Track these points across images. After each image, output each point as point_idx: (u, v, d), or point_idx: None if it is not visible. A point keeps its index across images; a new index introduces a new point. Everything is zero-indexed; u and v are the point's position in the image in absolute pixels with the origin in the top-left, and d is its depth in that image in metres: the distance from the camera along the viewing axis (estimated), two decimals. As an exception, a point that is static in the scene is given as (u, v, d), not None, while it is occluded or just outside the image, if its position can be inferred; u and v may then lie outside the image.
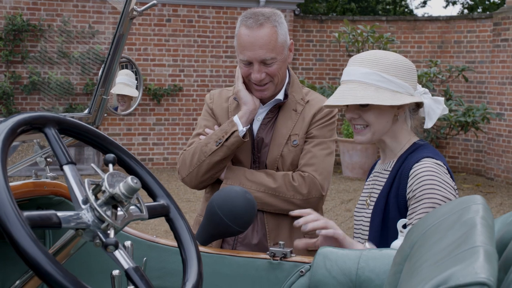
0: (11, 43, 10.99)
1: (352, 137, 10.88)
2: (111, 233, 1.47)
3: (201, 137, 2.76)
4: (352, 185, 10.42)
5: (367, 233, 2.31)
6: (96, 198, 1.50)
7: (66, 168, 1.56)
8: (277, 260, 2.10)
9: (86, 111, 2.35)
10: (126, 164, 1.74)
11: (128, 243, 1.73)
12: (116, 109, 2.65)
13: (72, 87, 11.18)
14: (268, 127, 2.74)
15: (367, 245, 2.13)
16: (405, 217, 2.17)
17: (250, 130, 2.73)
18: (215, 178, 2.73)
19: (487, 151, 11.52)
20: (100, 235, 1.47)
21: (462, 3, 22.99)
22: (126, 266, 1.49)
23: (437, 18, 12.63)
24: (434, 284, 1.11)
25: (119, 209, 1.51)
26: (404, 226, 2.11)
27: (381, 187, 2.31)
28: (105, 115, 2.41)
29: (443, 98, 2.34)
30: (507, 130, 10.96)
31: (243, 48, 2.63)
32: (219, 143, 2.65)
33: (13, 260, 2.02)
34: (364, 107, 2.27)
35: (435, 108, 2.29)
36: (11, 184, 1.63)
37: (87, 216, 1.48)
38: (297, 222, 2.12)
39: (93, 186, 1.51)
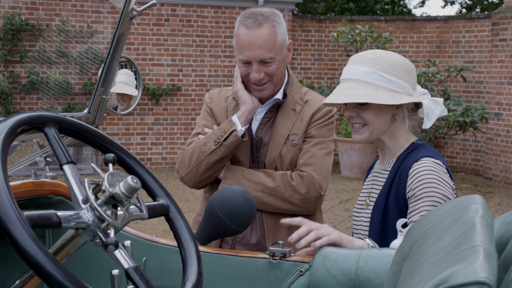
0: (9, 43, 10.99)
1: (350, 137, 10.89)
2: (111, 232, 1.47)
3: (200, 136, 2.76)
4: (351, 184, 10.43)
5: (366, 233, 2.31)
6: (96, 198, 1.50)
7: (66, 167, 1.56)
8: (277, 259, 2.10)
9: (85, 111, 2.35)
10: (126, 163, 1.75)
11: (127, 242, 1.73)
12: (115, 108, 2.66)
13: (71, 86, 11.18)
14: (267, 126, 2.75)
15: (368, 240, 2.13)
16: (405, 217, 2.18)
17: (249, 129, 2.73)
18: (214, 177, 2.73)
19: (486, 151, 11.53)
20: (100, 234, 1.47)
21: (461, 3, 23.01)
22: (126, 265, 1.50)
23: (435, 18, 12.63)
24: (434, 284, 1.11)
25: (119, 208, 1.52)
26: (404, 226, 2.11)
27: (380, 187, 2.31)
28: (105, 114, 2.41)
29: (442, 99, 2.34)
30: (505, 130, 10.97)
31: (242, 47, 2.63)
32: (218, 143, 2.65)
33: (13, 259, 2.02)
34: (362, 106, 2.28)
35: (434, 109, 2.30)
36: (10, 183, 1.63)
37: (87, 215, 1.48)
38: (291, 239, 2.10)
39: (93, 185, 1.51)
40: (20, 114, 1.53)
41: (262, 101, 2.75)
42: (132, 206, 1.58)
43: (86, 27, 11.32)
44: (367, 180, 2.46)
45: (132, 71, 2.64)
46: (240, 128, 2.66)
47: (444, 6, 24.21)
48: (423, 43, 12.57)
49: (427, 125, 2.31)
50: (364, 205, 2.37)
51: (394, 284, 1.53)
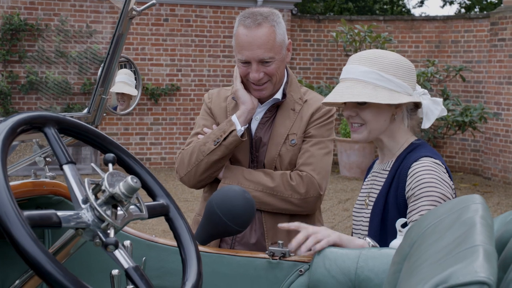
0: (8, 43, 10.98)
1: (349, 137, 10.89)
2: (111, 232, 1.47)
3: (200, 136, 2.76)
4: (350, 184, 10.43)
5: (366, 232, 2.31)
6: (96, 198, 1.50)
7: (66, 167, 1.56)
8: (276, 259, 2.10)
9: (85, 111, 2.35)
10: (125, 163, 1.75)
11: (127, 242, 1.73)
12: (115, 108, 2.66)
13: (70, 86, 11.17)
14: (266, 126, 2.75)
15: (368, 239, 2.13)
16: (404, 217, 2.18)
17: (248, 129, 2.73)
18: (213, 177, 2.73)
19: (484, 150, 11.53)
20: (100, 234, 1.47)
21: (459, 3, 23.02)
22: (126, 265, 1.50)
23: (434, 17, 12.64)
24: (434, 283, 1.11)
25: (119, 208, 1.52)
26: (403, 226, 2.11)
27: (380, 187, 2.31)
28: (104, 114, 2.41)
29: (441, 99, 2.34)
30: (504, 130, 10.98)
31: (241, 47, 2.63)
32: (217, 142, 2.65)
33: (13, 259, 2.02)
34: (361, 105, 2.28)
35: (433, 109, 2.30)
36: (10, 183, 1.63)
37: (87, 215, 1.48)
38: (291, 247, 2.10)
39: (93, 185, 1.51)
40: (20, 114, 1.54)
41: (261, 101, 2.75)
42: (132, 206, 1.58)
43: (85, 27, 11.32)
44: (366, 180, 2.46)
45: (131, 71, 2.64)
46: (240, 128, 2.66)
47: (443, 6, 24.22)
48: (422, 43, 12.57)
49: (426, 125, 2.31)
50: (364, 205, 2.38)
51: (394, 283, 1.54)
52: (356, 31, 10.70)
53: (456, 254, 1.21)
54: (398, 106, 2.30)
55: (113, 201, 1.50)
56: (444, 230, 1.42)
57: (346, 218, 8.25)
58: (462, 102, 11.09)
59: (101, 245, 1.46)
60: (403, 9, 23.38)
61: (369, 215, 2.31)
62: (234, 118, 2.68)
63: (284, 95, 2.75)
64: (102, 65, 2.36)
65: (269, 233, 2.69)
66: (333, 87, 11.13)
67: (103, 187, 1.49)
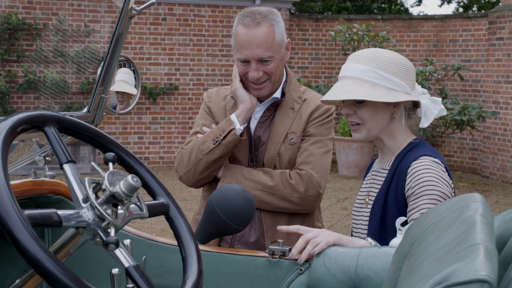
0: (6, 42, 10.97)
1: (348, 136, 10.90)
2: (112, 231, 1.47)
3: (199, 135, 2.76)
4: (348, 183, 10.43)
5: (366, 231, 2.32)
6: (97, 197, 1.50)
7: (66, 166, 1.56)
8: (276, 258, 2.10)
9: (85, 110, 2.35)
10: (125, 162, 1.75)
11: (127, 241, 1.73)
12: (114, 107, 2.66)
13: (68, 86, 11.16)
14: (265, 125, 2.75)
15: (370, 239, 2.13)
16: (404, 215, 2.18)
17: (247, 128, 2.73)
18: (213, 176, 2.73)
19: (483, 149, 11.54)
20: (101, 233, 1.47)
21: (458, 2, 23.03)
22: (126, 264, 1.50)
23: (432, 17, 12.64)
24: (435, 282, 1.11)
25: (119, 207, 1.52)
26: (403, 224, 2.11)
27: (379, 186, 2.31)
28: (104, 113, 2.41)
29: (440, 99, 2.35)
30: (502, 129, 10.98)
31: (241, 46, 2.63)
32: (217, 142, 2.65)
33: (12, 259, 2.02)
34: (359, 104, 2.28)
35: (432, 108, 2.30)
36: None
37: (87, 214, 1.48)
38: (292, 255, 2.10)
39: (94, 184, 1.51)
40: (20, 113, 1.54)
41: (260, 100, 2.75)
42: (132, 205, 1.59)
43: (83, 26, 11.31)
44: (366, 179, 2.47)
45: (131, 70, 2.64)
46: (239, 127, 2.66)
47: (441, 5, 24.23)
48: (420, 42, 12.57)
49: (424, 124, 2.32)
50: (363, 203, 2.38)
51: (394, 282, 1.54)
52: (354, 30, 10.70)
53: (457, 253, 1.21)
54: (396, 105, 2.30)
55: (114, 200, 1.50)
56: (444, 229, 1.43)
57: (345, 217, 8.25)
58: (460, 101, 11.09)
59: (102, 244, 1.47)
60: (401, 8, 23.39)
61: (368, 214, 2.31)
62: (233, 117, 2.68)
63: (283, 94, 2.75)
64: (101, 64, 2.36)
65: (268, 232, 2.69)
66: (332, 86, 11.12)
67: (103, 186, 1.49)
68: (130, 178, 1.49)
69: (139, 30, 11.71)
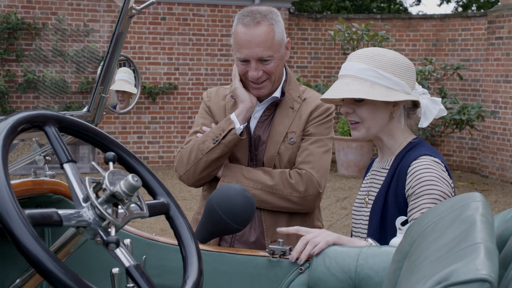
0: (5, 42, 10.97)
1: (347, 135, 10.90)
2: (112, 231, 1.47)
3: (198, 135, 2.76)
4: (348, 183, 10.43)
5: (366, 231, 2.32)
6: (97, 196, 1.50)
7: (67, 166, 1.56)
8: (276, 257, 2.10)
9: (85, 109, 2.35)
10: (126, 162, 1.75)
11: (127, 241, 1.73)
12: (114, 107, 2.66)
13: (67, 85, 11.16)
14: (265, 124, 2.75)
15: (370, 240, 2.13)
16: (404, 215, 2.18)
17: (247, 128, 2.73)
18: (212, 176, 2.73)
19: (482, 149, 11.55)
20: (101, 233, 1.47)
21: (457, 1, 23.03)
22: (127, 264, 1.50)
23: (431, 16, 12.65)
24: (436, 281, 1.11)
25: (119, 207, 1.52)
26: (403, 224, 2.11)
27: (379, 185, 2.32)
28: (104, 113, 2.41)
29: (440, 99, 2.35)
30: (502, 128, 10.99)
31: (240, 46, 2.63)
32: (216, 141, 2.65)
33: (12, 259, 2.02)
34: (358, 102, 2.29)
35: (431, 109, 2.31)
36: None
37: (88, 214, 1.49)
38: (292, 258, 2.10)
39: (94, 184, 1.51)
40: (20, 113, 1.54)
41: (260, 99, 2.75)
42: (132, 205, 1.59)
43: (82, 25, 11.31)
44: (365, 178, 2.47)
45: (131, 69, 2.64)
46: (239, 126, 2.66)
47: (440, 4, 24.22)
48: (420, 41, 12.58)
49: (423, 124, 2.32)
50: (363, 203, 2.38)
51: (394, 281, 1.54)
52: (353, 29, 10.70)
53: (457, 252, 1.21)
54: (396, 104, 2.30)
55: (114, 200, 1.50)
56: (444, 228, 1.43)
57: (344, 216, 8.25)
58: (460, 100, 11.10)
59: (102, 244, 1.47)
60: (400, 8, 23.39)
61: (368, 213, 2.31)
62: (233, 116, 2.68)
63: (283, 93, 2.75)
64: (101, 63, 2.36)
65: (268, 232, 2.69)
66: (331, 86, 11.09)
67: (104, 186, 1.49)
68: (131, 178, 1.49)
69: (138, 30, 11.71)
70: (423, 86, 9.34)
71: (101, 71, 2.34)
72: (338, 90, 2.28)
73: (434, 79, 11.08)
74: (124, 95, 2.73)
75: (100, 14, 11.46)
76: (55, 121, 1.62)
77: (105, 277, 1.94)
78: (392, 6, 22.83)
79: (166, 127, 12.02)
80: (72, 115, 1.73)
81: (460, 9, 22.73)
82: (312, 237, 2.09)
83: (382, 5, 22.64)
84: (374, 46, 10.28)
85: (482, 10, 16.64)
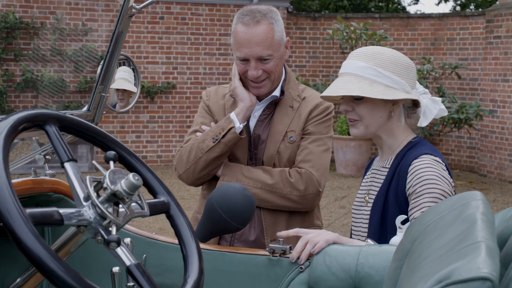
0: (3, 41, 10.96)
1: (345, 134, 10.90)
2: (113, 230, 1.47)
3: (198, 134, 2.76)
4: (346, 182, 10.44)
5: (366, 230, 2.32)
6: (98, 195, 1.50)
7: (67, 165, 1.56)
8: (277, 256, 2.10)
9: (85, 108, 2.35)
10: (126, 161, 1.75)
11: (127, 240, 1.74)
12: (114, 106, 2.66)
13: (66, 84, 11.15)
14: (265, 123, 2.75)
15: (370, 241, 2.13)
16: (405, 214, 2.18)
17: (246, 127, 2.73)
18: (212, 174, 2.73)
19: (480, 148, 11.56)
20: (102, 232, 1.48)
21: (455, 0, 23.03)
22: (128, 262, 1.50)
23: (430, 15, 12.65)
24: (437, 280, 1.11)
25: (120, 206, 1.52)
26: (403, 222, 2.12)
27: (379, 184, 2.32)
28: (104, 112, 2.41)
29: (441, 99, 2.35)
30: (500, 127, 11.00)
31: (240, 45, 2.63)
32: (216, 140, 2.65)
33: (12, 258, 2.02)
34: (358, 100, 2.29)
35: (431, 108, 2.31)
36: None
37: (88, 213, 1.49)
38: (292, 258, 2.10)
39: (95, 183, 1.51)
40: (21, 112, 1.54)
41: (259, 98, 2.76)
42: (133, 204, 1.59)
43: (80, 25, 11.30)
44: (365, 177, 2.47)
45: (130, 68, 2.64)
46: (238, 125, 2.66)
47: (438, 3, 24.24)
48: (418, 40, 12.58)
49: (423, 123, 2.32)
50: (363, 202, 2.38)
51: (395, 280, 1.54)
52: (352, 28, 10.70)
53: (458, 251, 1.21)
54: (395, 103, 2.30)
55: (115, 199, 1.50)
56: (445, 227, 1.43)
57: (343, 215, 8.25)
58: (458, 99, 11.10)
59: (103, 243, 1.47)
60: (398, 7, 23.39)
61: (369, 212, 2.31)
62: (232, 115, 2.68)
63: (282, 92, 2.76)
64: (101, 62, 2.36)
65: (268, 230, 2.69)
66: (329, 85, 11.05)
67: (104, 185, 1.49)
68: (131, 177, 1.49)
69: (136, 29, 11.71)
70: (421, 85, 9.35)
71: (101, 70, 2.34)
72: (338, 88, 2.29)
73: (432, 78, 11.08)
74: (124, 94, 2.73)
75: (99, 13, 11.45)
76: (56, 120, 1.62)
77: (105, 277, 1.94)
78: (390, 5, 22.83)
79: (164, 126, 12.02)
80: (72, 114, 1.73)
81: (458, 8, 22.74)
82: (312, 237, 2.09)
83: (380, 4, 22.64)
84: (373, 45, 10.29)
85: (480, 9, 16.65)
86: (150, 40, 11.86)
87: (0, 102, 10.86)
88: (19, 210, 1.31)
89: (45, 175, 2.12)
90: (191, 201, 8.76)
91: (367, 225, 2.31)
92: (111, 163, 1.56)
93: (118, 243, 1.44)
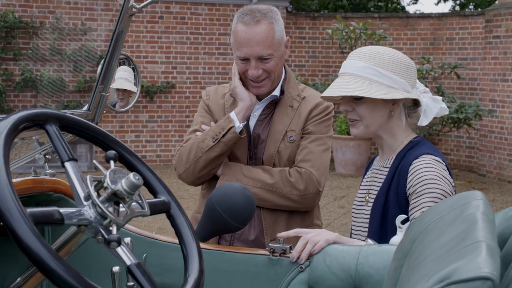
0: (3, 40, 10.95)
1: (344, 134, 10.90)
2: (114, 229, 1.47)
3: (198, 133, 2.76)
4: (345, 181, 10.44)
5: (366, 229, 2.32)
6: (98, 195, 1.50)
7: (68, 164, 1.56)
8: (277, 256, 2.10)
9: (85, 108, 2.35)
10: (127, 160, 1.75)
11: (127, 239, 1.73)
12: (114, 105, 2.65)
13: (65, 84, 11.15)
14: (265, 123, 2.75)
15: (369, 241, 2.13)
16: (405, 214, 2.18)
17: (246, 126, 2.73)
18: (212, 174, 2.73)
19: (479, 147, 11.56)
20: (103, 231, 1.47)
21: (454, 0, 23.03)
22: (128, 262, 1.50)
23: (429, 15, 12.65)
24: (438, 279, 1.11)
25: (121, 205, 1.52)
26: (403, 222, 2.12)
27: (380, 184, 2.32)
28: (104, 112, 2.41)
29: (441, 97, 2.35)
30: (499, 127, 11.00)
31: (240, 44, 2.63)
32: (216, 139, 2.65)
33: (13, 257, 2.02)
34: (358, 100, 2.29)
35: (432, 107, 2.31)
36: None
37: (89, 212, 1.48)
38: (293, 258, 2.10)
39: (95, 182, 1.51)
40: (22, 111, 1.54)
41: (259, 97, 2.76)
42: (133, 203, 1.59)
43: (80, 24, 11.30)
44: (366, 176, 2.47)
45: (131, 68, 2.64)
46: (238, 125, 2.66)
47: (438, 3, 24.24)
48: (417, 40, 12.59)
49: (423, 122, 2.32)
50: (364, 201, 2.38)
51: (395, 280, 1.54)
52: (351, 28, 10.70)
53: (459, 250, 1.21)
54: (395, 103, 2.30)
55: (115, 198, 1.50)
56: (445, 227, 1.43)
57: (342, 215, 8.25)
58: (457, 99, 11.11)
59: (104, 242, 1.47)
60: (398, 6, 23.39)
61: (369, 212, 2.31)
62: (232, 115, 2.68)
63: (282, 92, 2.76)
64: (102, 62, 2.36)
65: (268, 230, 2.69)
66: (328, 84, 11.07)
67: (105, 184, 1.49)
68: (132, 176, 1.49)
69: (136, 28, 11.70)
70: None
71: (101, 69, 2.34)
72: (337, 88, 2.29)
73: (431, 78, 11.08)
74: (124, 94, 2.73)
75: (98, 12, 11.45)
76: (56, 120, 1.62)
77: (105, 276, 1.94)
78: (389, 5, 22.83)
79: (163, 126, 12.02)
80: (72, 114, 1.73)
81: (457, 8, 22.74)
82: (312, 236, 2.09)
83: (379, 4, 22.64)
84: (372, 44, 10.29)
85: (479, 9, 16.66)
86: (150, 40, 11.86)
87: (-1, 102, 10.86)
88: (20, 209, 1.31)
89: (45, 175, 2.11)
90: (190, 201, 8.76)
91: (367, 225, 2.31)
92: (112, 162, 1.56)
93: (119, 242, 1.44)
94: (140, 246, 2.17)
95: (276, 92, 2.75)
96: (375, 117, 2.29)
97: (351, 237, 2.40)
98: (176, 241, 2.11)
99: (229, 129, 2.64)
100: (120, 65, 2.56)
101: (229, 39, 2.66)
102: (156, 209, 1.69)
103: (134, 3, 2.24)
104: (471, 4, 21.92)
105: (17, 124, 1.50)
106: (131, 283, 1.61)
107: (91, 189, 1.49)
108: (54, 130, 1.59)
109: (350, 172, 11.00)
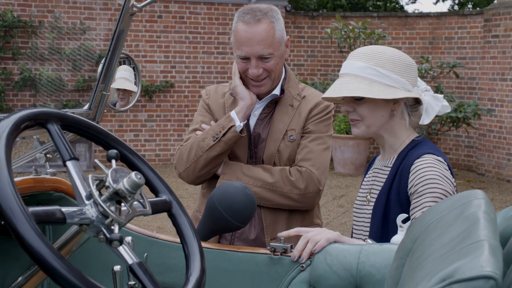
0: (1, 40, 10.94)
1: (343, 133, 10.90)
2: (115, 228, 1.47)
3: (198, 132, 2.76)
4: (344, 181, 10.44)
5: (368, 229, 2.32)
6: (100, 194, 1.50)
7: (69, 164, 1.56)
8: (278, 255, 2.10)
9: (86, 107, 2.35)
10: (128, 160, 1.75)
11: (128, 238, 1.73)
12: (114, 105, 2.65)
13: (64, 83, 11.14)
14: (265, 122, 2.75)
15: (369, 241, 2.13)
16: (406, 213, 2.18)
17: (246, 125, 2.73)
18: (212, 173, 2.73)
19: (478, 147, 11.57)
20: (104, 230, 1.48)
21: (453, -1, 23.03)
22: (130, 261, 1.50)
23: (428, 14, 12.66)
24: (440, 278, 1.11)
25: (122, 204, 1.52)
26: (404, 221, 2.12)
27: (381, 183, 2.31)
28: (105, 111, 2.41)
29: (442, 95, 2.35)
30: (498, 126, 11.01)
31: (241, 43, 2.63)
32: (216, 138, 2.65)
33: (14, 256, 2.02)
34: (358, 101, 2.29)
35: (433, 105, 2.31)
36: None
37: (91, 211, 1.49)
38: (294, 257, 2.10)
39: (97, 181, 1.51)
40: (23, 110, 1.54)
41: (259, 97, 2.76)
42: (135, 202, 1.59)
43: (78, 23, 11.29)
44: (367, 176, 2.47)
45: (131, 67, 2.64)
46: (239, 124, 2.66)
47: (436, 2, 24.25)
48: (416, 39, 12.59)
49: (425, 121, 2.32)
50: (365, 201, 2.38)
51: (397, 279, 1.54)
52: (350, 27, 10.70)
53: (461, 249, 1.21)
54: (396, 102, 2.30)
55: (117, 197, 1.50)
56: (447, 226, 1.43)
57: (341, 214, 8.26)
58: (456, 98, 11.11)
59: (105, 241, 1.47)
60: (396, 6, 23.39)
61: (370, 211, 2.31)
62: (233, 114, 2.68)
63: (282, 91, 2.76)
64: (102, 61, 2.36)
65: (268, 229, 2.69)
66: (327, 84, 11.13)
67: (107, 183, 1.49)
68: (134, 175, 1.49)
69: (134, 28, 11.70)
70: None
71: (102, 69, 2.34)
72: (338, 89, 2.29)
73: (430, 77, 11.09)
74: (125, 93, 2.73)
75: (97, 12, 11.44)
76: (58, 119, 1.62)
77: (106, 276, 1.94)
78: (388, 4, 22.83)
79: (162, 125, 12.02)
80: (73, 113, 1.73)
81: (456, 7, 22.74)
82: (313, 235, 2.09)
83: (378, 3, 22.64)
84: (371, 44, 10.30)
85: (478, 8, 16.66)
86: (148, 39, 11.85)
87: (-2, 101, 10.85)
88: (22, 208, 1.31)
89: (46, 174, 2.11)
90: (189, 200, 8.76)
91: (368, 224, 2.31)
92: (113, 161, 1.56)
93: (121, 241, 1.44)
94: (141, 245, 2.17)
95: (276, 91, 2.75)
96: (376, 117, 2.29)
97: (352, 237, 2.40)
98: (177, 240, 2.11)
99: (229, 128, 2.64)
100: (120, 64, 2.56)
101: (229, 38, 2.65)
102: (157, 208, 1.69)
103: (134, 2, 2.24)
104: (469, 3, 21.93)
105: (19, 123, 1.50)
106: (132, 282, 1.61)
107: (93, 188, 1.49)
108: (56, 129, 1.59)
109: (349, 171, 11.00)
